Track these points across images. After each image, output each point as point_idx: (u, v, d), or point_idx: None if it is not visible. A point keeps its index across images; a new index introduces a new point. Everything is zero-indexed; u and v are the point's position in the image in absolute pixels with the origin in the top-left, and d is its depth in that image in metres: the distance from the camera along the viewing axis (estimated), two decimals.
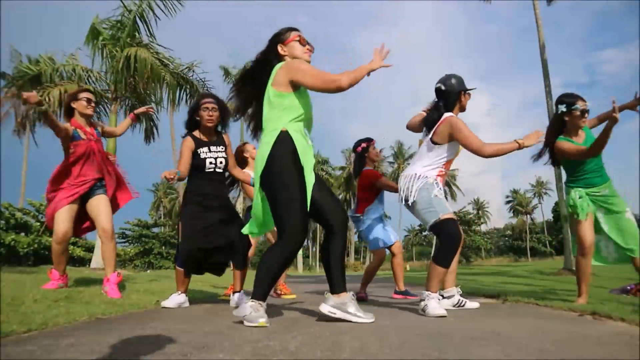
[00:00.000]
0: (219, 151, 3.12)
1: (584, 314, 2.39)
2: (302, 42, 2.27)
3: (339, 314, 2.11)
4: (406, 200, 2.75)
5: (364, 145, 4.06)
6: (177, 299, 2.99)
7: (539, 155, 3.20)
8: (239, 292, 3.12)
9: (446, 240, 2.60)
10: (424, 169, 2.75)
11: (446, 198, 2.80)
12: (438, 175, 2.77)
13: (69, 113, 3.39)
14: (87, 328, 1.89)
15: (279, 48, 2.26)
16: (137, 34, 10.45)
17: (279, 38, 2.28)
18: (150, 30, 10.56)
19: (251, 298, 2.06)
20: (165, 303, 2.95)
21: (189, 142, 3.07)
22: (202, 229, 2.93)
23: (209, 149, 3.09)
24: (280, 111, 2.16)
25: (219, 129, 3.24)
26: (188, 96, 12.39)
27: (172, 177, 2.81)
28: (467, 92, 2.90)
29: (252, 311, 2.00)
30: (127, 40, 10.21)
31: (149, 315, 2.47)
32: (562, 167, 3.21)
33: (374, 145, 4.09)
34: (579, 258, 3.06)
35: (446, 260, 2.57)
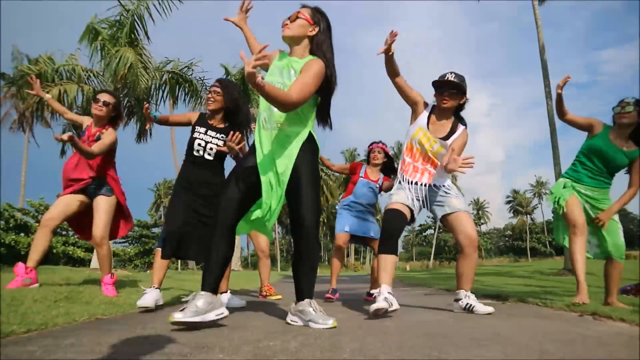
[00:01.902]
0: (215, 137, 2.93)
1: (584, 315, 2.39)
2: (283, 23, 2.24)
3: (300, 322, 2.08)
4: None
5: (368, 148, 4.39)
6: (154, 295, 2.68)
7: None
8: (225, 292, 3.05)
9: (381, 229, 2.75)
10: None
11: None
12: (401, 169, 2.87)
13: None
14: (87, 328, 1.89)
15: None
16: (133, 35, 10.46)
17: None
18: (145, 30, 10.59)
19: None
20: (143, 303, 2.58)
21: (193, 116, 3.02)
22: (182, 212, 2.81)
23: (207, 132, 2.93)
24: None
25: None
26: (187, 95, 12.40)
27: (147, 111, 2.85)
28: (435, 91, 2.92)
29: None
30: (126, 40, 10.23)
31: (149, 315, 2.47)
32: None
33: (373, 149, 4.29)
34: (570, 238, 3.03)
35: (382, 246, 2.66)
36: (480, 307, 2.61)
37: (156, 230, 30.75)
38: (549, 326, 2.01)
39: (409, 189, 2.79)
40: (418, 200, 2.78)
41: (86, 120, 3.39)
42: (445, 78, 2.78)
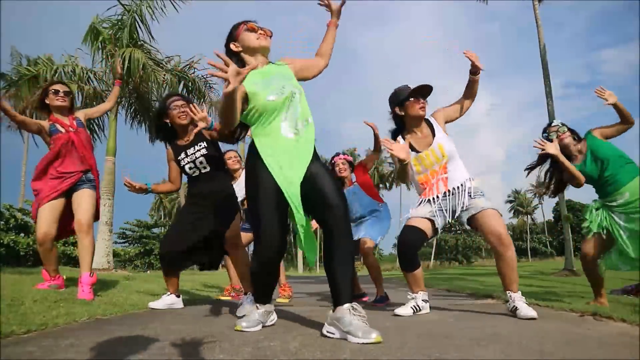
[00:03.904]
0: (198, 150, 2.90)
1: (584, 315, 2.39)
2: (252, 28, 2.11)
3: (337, 334, 1.72)
4: None
5: (329, 164, 4.04)
6: (166, 300, 2.97)
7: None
8: (245, 293, 2.90)
9: (397, 247, 2.73)
10: None
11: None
12: (421, 195, 2.80)
13: (44, 109, 3.32)
14: (87, 328, 1.89)
15: (232, 46, 2.12)
16: (135, 35, 10.46)
17: (230, 38, 2.16)
18: (149, 29, 10.59)
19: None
20: (154, 304, 2.91)
21: (169, 154, 3.00)
22: (178, 232, 2.90)
23: (186, 153, 2.92)
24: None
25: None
26: (190, 94, 12.38)
27: (136, 187, 2.88)
28: (406, 101, 2.73)
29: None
30: (127, 41, 10.23)
31: (149, 316, 2.47)
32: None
33: (337, 162, 3.98)
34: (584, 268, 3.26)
35: (401, 265, 2.73)
36: (524, 310, 2.32)
37: (156, 230, 30.76)
38: (549, 326, 2.01)
39: (432, 202, 2.69)
40: (441, 210, 2.67)
41: (43, 123, 3.27)
42: (424, 84, 2.68)
